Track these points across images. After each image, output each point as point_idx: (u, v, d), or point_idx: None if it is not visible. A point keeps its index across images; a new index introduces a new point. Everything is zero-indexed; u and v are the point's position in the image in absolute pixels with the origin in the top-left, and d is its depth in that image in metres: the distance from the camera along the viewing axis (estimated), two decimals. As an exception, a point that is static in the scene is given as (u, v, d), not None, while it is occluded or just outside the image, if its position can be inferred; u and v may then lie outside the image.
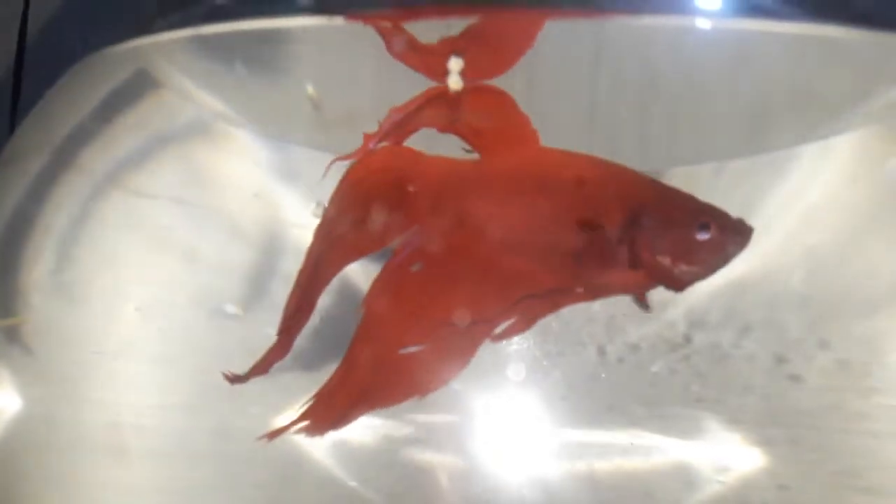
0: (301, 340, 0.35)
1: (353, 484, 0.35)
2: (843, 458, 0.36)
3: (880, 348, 0.36)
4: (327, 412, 0.34)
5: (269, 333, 0.35)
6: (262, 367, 0.34)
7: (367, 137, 0.34)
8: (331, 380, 0.34)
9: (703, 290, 0.35)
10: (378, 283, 0.34)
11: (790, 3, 0.37)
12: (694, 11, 0.37)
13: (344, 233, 0.34)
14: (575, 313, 0.35)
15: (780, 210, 0.36)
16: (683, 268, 0.33)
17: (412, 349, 0.33)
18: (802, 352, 0.35)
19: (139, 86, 0.40)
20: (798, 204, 0.36)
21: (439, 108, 0.35)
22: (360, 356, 0.34)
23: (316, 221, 0.35)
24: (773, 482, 0.35)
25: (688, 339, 0.35)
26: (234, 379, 0.34)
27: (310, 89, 0.36)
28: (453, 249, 0.34)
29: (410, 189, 0.34)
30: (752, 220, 0.34)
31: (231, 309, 0.36)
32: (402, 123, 0.35)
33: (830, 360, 0.36)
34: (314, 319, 0.35)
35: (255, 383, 0.35)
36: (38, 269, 0.39)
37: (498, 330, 0.34)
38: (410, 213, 0.34)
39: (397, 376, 0.34)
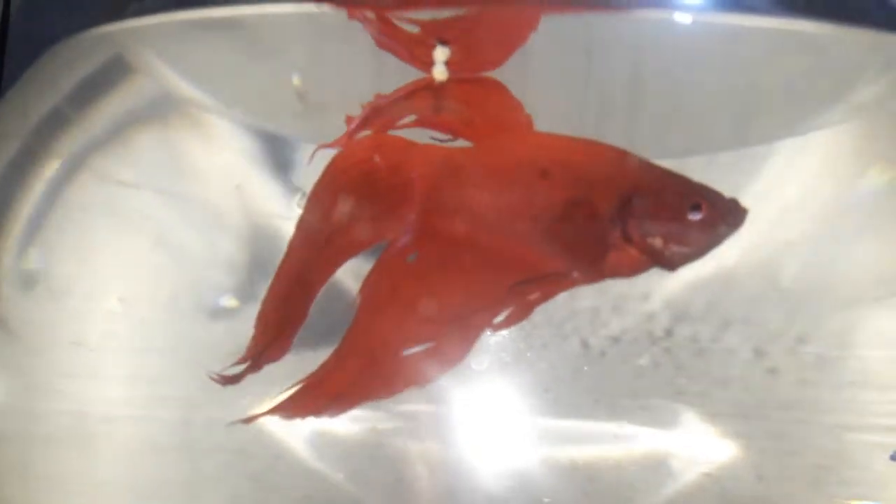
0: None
1: (332, 475, 0.35)
2: (819, 450, 0.36)
3: (856, 342, 0.36)
4: (313, 400, 0.34)
5: (250, 323, 0.36)
6: (255, 367, 0.34)
7: (350, 120, 0.34)
8: (321, 368, 0.34)
9: (685, 282, 0.35)
10: (373, 274, 0.34)
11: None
12: (678, 6, 0.37)
13: (337, 227, 0.34)
14: (558, 306, 0.35)
15: (758, 205, 0.36)
16: (675, 248, 0.34)
17: (411, 341, 0.33)
18: (781, 345, 0.36)
19: (117, 71, 0.39)
20: (776, 199, 0.37)
21: (425, 97, 0.35)
22: (355, 346, 0.33)
23: (299, 212, 0.35)
24: (751, 473, 0.36)
25: (669, 333, 0.36)
26: (226, 380, 0.34)
27: (295, 79, 0.35)
28: (449, 238, 0.34)
29: (402, 178, 0.34)
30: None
31: (227, 301, 0.36)
32: (386, 111, 0.34)
33: (808, 354, 0.36)
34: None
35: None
36: (15, 258, 0.39)
37: (497, 319, 0.34)
38: (404, 203, 0.34)
39: (394, 367, 0.34)
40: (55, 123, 0.39)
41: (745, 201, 0.35)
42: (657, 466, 0.35)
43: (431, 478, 0.35)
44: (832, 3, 0.39)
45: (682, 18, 0.37)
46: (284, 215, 0.36)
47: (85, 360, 0.37)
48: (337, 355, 0.34)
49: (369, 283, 0.34)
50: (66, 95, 0.40)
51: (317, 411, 0.34)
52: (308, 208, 0.34)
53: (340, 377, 0.33)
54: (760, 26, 0.37)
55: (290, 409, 0.34)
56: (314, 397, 0.34)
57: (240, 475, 0.36)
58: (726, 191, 0.35)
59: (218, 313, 0.36)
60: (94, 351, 0.37)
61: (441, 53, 0.34)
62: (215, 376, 0.34)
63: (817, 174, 0.37)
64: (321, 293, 0.34)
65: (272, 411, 0.34)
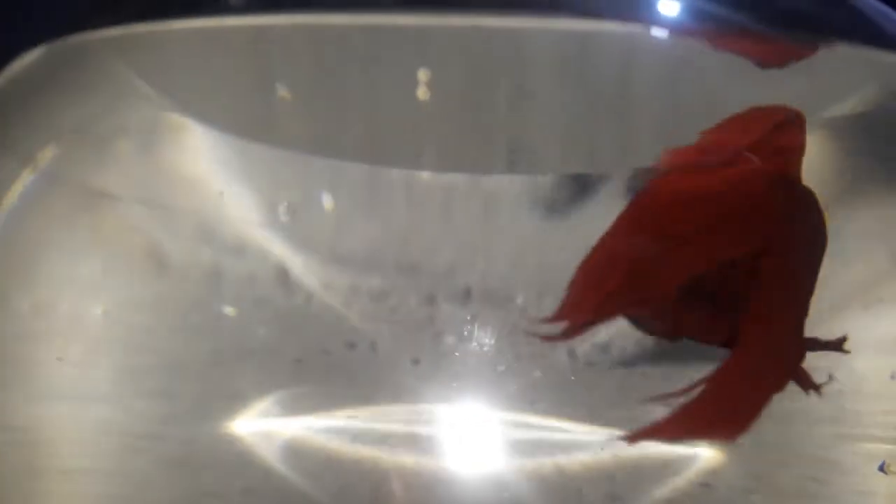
0: (254, 343, 0.35)
1: (304, 483, 0.35)
2: (808, 461, 0.36)
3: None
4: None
5: (235, 336, 0.35)
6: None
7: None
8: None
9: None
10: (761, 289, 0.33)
11: (748, 15, 0.37)
12: (648, 20, 0.37)
13: None
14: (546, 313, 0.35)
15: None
16: None
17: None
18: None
19: (94, 81, 0.39)
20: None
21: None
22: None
23: (284, 222, 0.35)
24: (739, 484, 0.35)
25: (657, 341, 0.35)
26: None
27: (280, 88, 0.35)
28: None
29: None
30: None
31: (226, 310, 0.36)
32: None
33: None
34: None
35: (221, 388, 0.35)
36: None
37: None
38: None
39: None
40: (32, 135, 0.39)
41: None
42: (646, 476, 0.35)
43: (415, 491, 0.34)
44: (813, 20, 0.39)
45: (657, 32, 0.37)
46: (268, 224, 0.36)
47: (69, 377, 0.37)
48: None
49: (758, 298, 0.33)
50: (41, 106, 0.40)
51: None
52: None
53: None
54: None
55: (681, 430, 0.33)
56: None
57: (234, 491, 0.36)
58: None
59: (204, 325, 0.36)
60: (77, 367, 0.36)
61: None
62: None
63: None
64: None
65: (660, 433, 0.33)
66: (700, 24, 0.37)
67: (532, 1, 0.37)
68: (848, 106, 0.38)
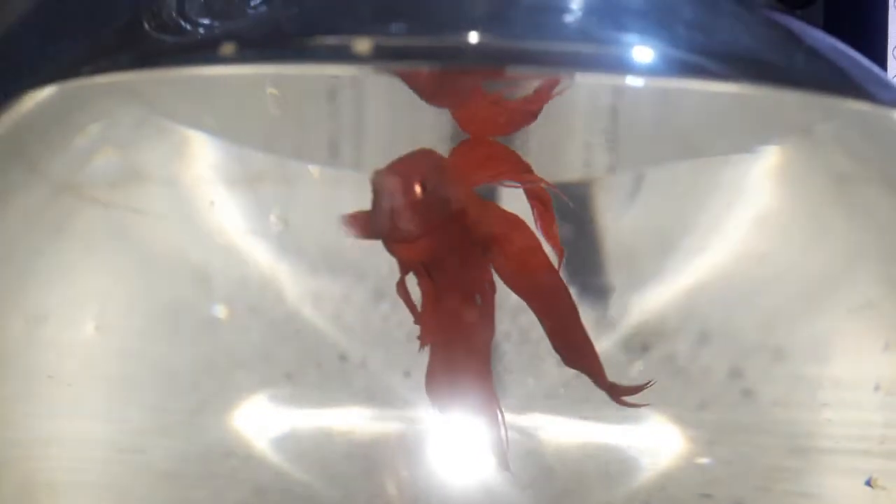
0: (246, 353, 0.35)
1: (297, 493, 0.35)
2: (793, 473, 0.36)
3: (831, 357, 0.37)
4: None
5: (227, 345, 0.35)
6: None
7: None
8: None
9: (661, 299, 0.36)
10: None
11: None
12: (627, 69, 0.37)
13: None
14: (535, 324, 0.35)
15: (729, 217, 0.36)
16: None
17: None
18: (756, 362, 0.36)
19: (87, 109, 0.39)
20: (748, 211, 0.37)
21: None
22: None
23: (276, 231, 0.35)
24: (727, 494, 0.36)
25: (645, 348, 0.36)
26: None
27: (271, 89, 0.36)
28: None
29: None
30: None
31: (218, 319, 0.36)
32: None
33: (783, 373, 0.36)
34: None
35: (213, 399, 0.35)
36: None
37: None
38: None
39: None
40: (26, 148, 0.39)
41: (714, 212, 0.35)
42: (633, 484, 0.35)
43: (408, 497, 0.34)
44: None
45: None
46: (260, 233, 0.36)
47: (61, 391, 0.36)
48: None
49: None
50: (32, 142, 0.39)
51: None
52: None
53: None
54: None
55: None
56: None
57: (227, 502, 0.36)
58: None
59: (196, 334, 0.36)
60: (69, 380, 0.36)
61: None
62: None
63: (788, 186, 0.38)
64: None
65: None
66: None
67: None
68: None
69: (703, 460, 0.36)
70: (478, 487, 0.34)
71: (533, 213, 0.34)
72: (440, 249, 0.33)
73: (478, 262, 0.33)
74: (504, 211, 0.34)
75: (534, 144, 0.36)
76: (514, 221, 0.34)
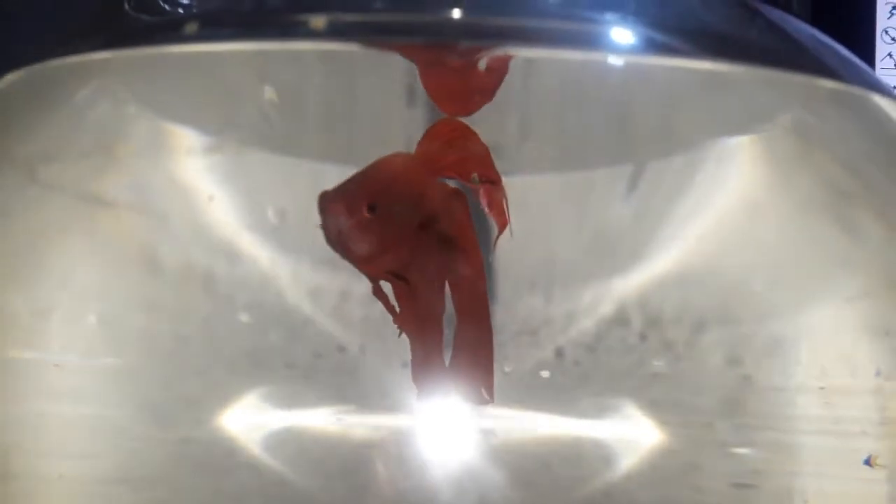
0: (246, 346, 0.35)
1: (295, 483, 0.35)
2: (795, 459, 0.36)
3: (827, 346, 0.37)
4: None
5: (227, 340, 0.36)
6: None
7: None
8: None
9: (658, 288, 0.36)
10: None
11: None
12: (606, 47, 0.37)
13: None
14: (534, 313, 0.35)
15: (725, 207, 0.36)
16: None
17: None
18: (753, 353, 0.36)
19: (80, 96, 0.39)
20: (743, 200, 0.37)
21: None
22: None
23: (274, 226, 0.36)
24: (726, 481, 0.36)
25: (643, 338, 0.36)
26: None
27: (268, 90, 0.36)
28: None
29: None
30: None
31: (218, 313, 0.36)
32: None
33: (779, 359, 0.36)
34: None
35: (213, 392, 0.35)
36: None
37: None
38: None
39: None
40: (21, 142, 0.39)
41: (704, 202, 0.35)
42: (630, 478, 0.35)
43: (402, 487, 0.35)
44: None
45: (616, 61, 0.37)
46: (258, 228, 0.36)
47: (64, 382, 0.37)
48: None
49: None
50: (23, 125, 0.40)
51: None
52: None
53: None
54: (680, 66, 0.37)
55: None
56: None
57: (226, 492, 0.36)
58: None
59: (196, 329, 0.36)
60: (72, 372, 0.36)
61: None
62: None
63: (780, 172, 0.38)
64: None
65: None
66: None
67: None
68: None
69: (709, 444, 0.36)
70: (472, 478, 0.35)
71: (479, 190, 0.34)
72: (413, 257, 0.33)
73: (458, 260, 0.33)
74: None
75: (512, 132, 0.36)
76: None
